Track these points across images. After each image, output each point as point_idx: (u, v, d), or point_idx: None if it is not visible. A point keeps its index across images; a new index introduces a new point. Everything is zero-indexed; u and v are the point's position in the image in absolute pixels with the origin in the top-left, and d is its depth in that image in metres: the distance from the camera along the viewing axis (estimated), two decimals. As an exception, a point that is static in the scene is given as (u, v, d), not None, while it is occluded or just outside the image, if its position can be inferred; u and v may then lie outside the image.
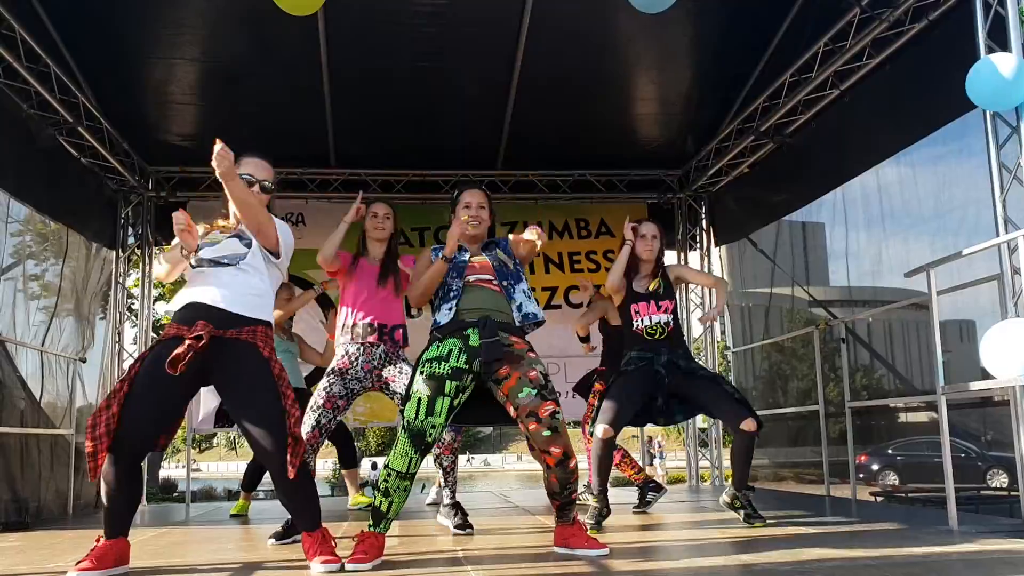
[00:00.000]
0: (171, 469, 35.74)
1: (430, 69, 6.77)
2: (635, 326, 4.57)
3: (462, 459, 44.28)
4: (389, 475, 3.30)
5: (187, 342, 3.05)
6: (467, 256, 3.70)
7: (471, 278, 3.60)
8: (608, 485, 4.60)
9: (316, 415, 4.16)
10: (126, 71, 6.70)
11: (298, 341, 6.25)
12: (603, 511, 4.43)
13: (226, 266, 3.31)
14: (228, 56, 6.62)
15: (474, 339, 3.41)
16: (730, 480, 4.65)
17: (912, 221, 6.26)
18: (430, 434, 3.31)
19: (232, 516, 6.09)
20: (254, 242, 3.40)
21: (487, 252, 3.73)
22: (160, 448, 3.31)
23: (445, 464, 4.56)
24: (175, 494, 19.87)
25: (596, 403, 4.74)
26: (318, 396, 4.20)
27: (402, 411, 3.92)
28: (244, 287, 3.31)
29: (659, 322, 4.53)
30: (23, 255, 6.59)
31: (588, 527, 4.15)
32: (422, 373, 3.37)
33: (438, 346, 3.44)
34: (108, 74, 6.72)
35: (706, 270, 9.20)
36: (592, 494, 4.49)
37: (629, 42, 6.81)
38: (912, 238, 6.28)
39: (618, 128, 8.10)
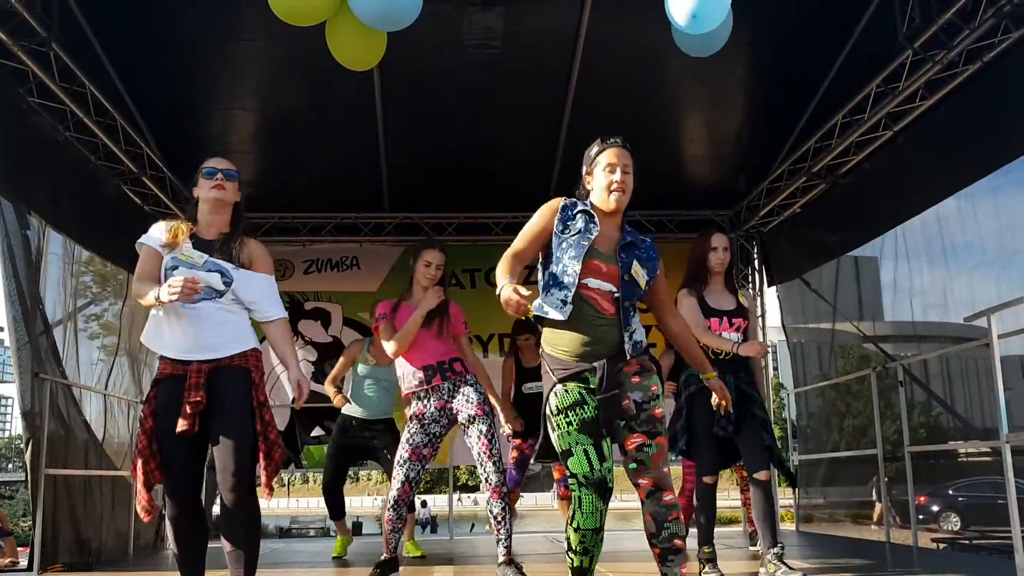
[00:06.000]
0: (223, 505, 35.99)
1: (482, 116, 6.88)
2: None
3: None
4: (584, 536, 2.95)
5: (187, 412, 3.07)
6: (593, 232, 3.04)
7: (591, 284, 3.01)
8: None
9: (404, 470, 4.19)
10: (188, 122, 6.92)
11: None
12: (714, 556, 4.31)
13: (200, 300, 3.19)
14: (286, 107, 6.81)
15: (592, 382, 3.00)
16: (759, 541, 4.45)
17: (971, 253, 6.16)
18: (609, 480, 2.98)
19: (335, 558, 6.13)
20: (234, 282, 3.29)
21: (626, 253, 3.09)
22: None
23: (495, 511, 4.27)
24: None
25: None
26: (403, 450, 4.24)
27: (478, 437, 4.08)
28: (224, 326, 3.23)
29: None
30: (86, 297, 6.80)
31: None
32: (571, 424, 2.96)
33: (566, 392, 3.00)
34: (171, 126, 6.94)
35: (759, 311, 9.11)
36: (704, 543, 4.35)
37: (679, 84, 6.85)
38: (974, 270, 6.16)
39: (668, 168, 8.10)
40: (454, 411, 4.31)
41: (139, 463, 3.12)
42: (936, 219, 6.37)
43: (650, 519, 2.93)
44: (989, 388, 5.62)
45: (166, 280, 3.20)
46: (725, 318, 4.38)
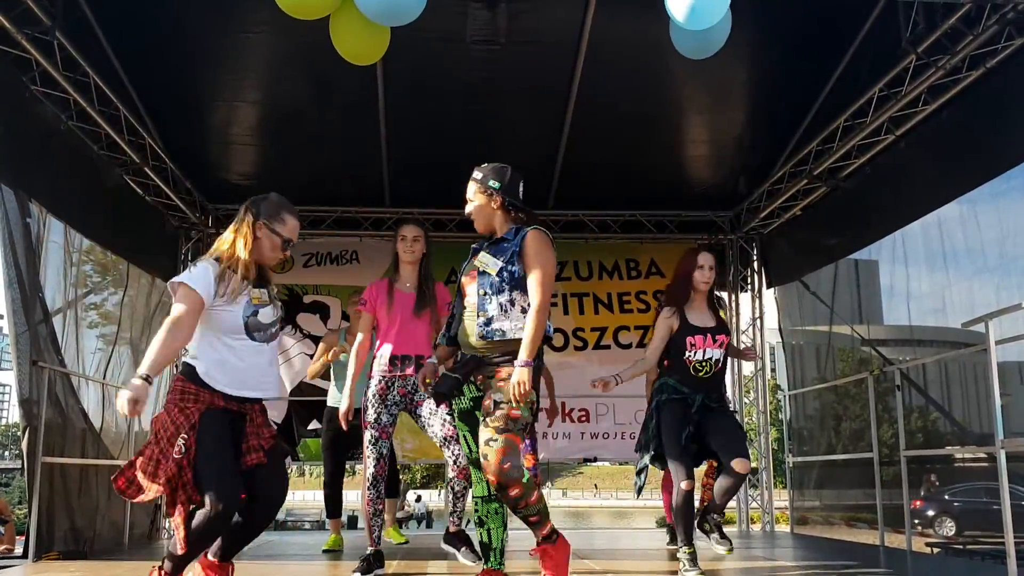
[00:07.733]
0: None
1: (484, 112, 6.89)
2: (687, 356, 4.45)
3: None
4: (476, 503, 3.55)
5: (261, 446, 3.23)
6: (469, 258, 3.63)
7: (468, 291, 3.54)
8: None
9: (377, 448, 4.28)
10: (191, 114, 6.94)
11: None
12: (695, 556, 4.31)
13: (267, 341, 3.33)
14: (288, 99, 6.81)
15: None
16: (705, 504, 4.68)
17: (972, 258, 6.17)
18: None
19: (325, 552, 5.96)
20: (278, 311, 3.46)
21: (489, 250, 3.55)
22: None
23: (457, 488, 4.36)
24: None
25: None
26: (372, 431, 4.29)
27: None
28: (275, 366, 3.44)
29: (711, 358, 4.45)
30: (85, 285, 6.80)
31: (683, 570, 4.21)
32: (452, 413, 3.69)
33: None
34: (174, 117, 6.95)
35: (758, 312, 9.14)
36: (684, 543, 4.36)
37: (682, 84, 6.85)
38: (974, 276, 6.17)
39: (669, 169, 8.13)
40: (416, 403, 4.37)
41: (179, 494, 3.06)
42: (937, 224, 6.37)
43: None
44: (986, 394, 5.64)
45: (248, 330, 3.25)
46: (708, 335, 4.48)
